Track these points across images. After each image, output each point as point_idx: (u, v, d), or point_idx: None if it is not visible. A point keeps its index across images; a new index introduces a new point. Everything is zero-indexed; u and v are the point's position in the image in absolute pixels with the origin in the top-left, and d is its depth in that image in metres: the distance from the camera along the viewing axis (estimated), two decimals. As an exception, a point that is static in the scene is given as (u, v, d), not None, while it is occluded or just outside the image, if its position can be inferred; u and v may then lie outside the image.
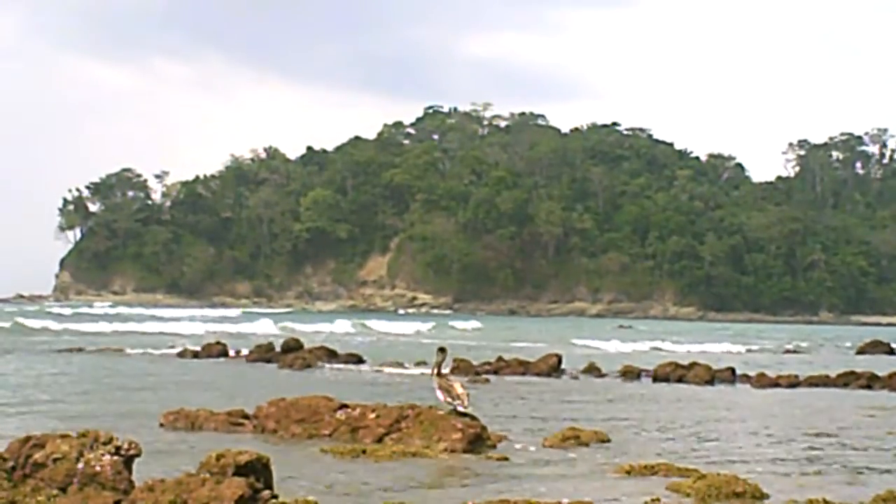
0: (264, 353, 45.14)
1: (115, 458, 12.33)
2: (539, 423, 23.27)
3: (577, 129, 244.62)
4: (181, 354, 45.86)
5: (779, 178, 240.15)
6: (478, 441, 17.81)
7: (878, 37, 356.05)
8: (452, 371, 35.53)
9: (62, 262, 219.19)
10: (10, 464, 12.48)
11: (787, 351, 68.46)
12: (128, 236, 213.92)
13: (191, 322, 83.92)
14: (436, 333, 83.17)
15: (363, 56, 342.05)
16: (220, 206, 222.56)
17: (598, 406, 28.16)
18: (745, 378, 39.46)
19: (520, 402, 28.82)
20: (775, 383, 37.58)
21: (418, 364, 41.12)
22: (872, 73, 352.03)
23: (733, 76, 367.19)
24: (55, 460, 12.33)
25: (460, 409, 18.06)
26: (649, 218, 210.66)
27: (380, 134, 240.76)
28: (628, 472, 16.07)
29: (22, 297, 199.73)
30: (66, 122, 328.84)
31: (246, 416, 20.72)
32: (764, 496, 14.45)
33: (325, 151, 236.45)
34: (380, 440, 18.25)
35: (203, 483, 11.64)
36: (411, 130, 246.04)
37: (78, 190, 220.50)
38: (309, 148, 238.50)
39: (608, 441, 19.99)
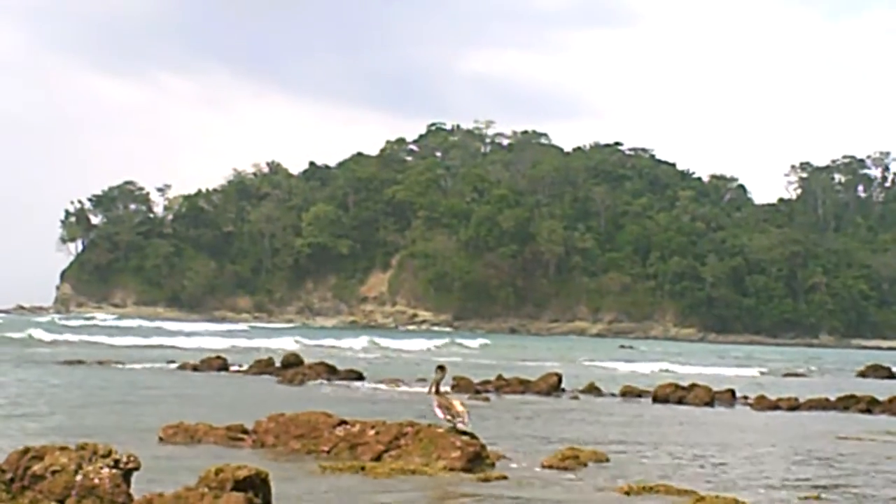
0: (264, 368, 45.17)
1: (114, 471, 12.33)
2: (538, 442, 23.26)
3: (579, 148, 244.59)
4: (181, 367, 45.86)
5: (781, 200, 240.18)
6: (477, 459, 17.77)
7: (881, 60, 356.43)
8: (452, 389, 35.53)
9: (63, 274, 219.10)
10: (9, 475, 12.48)
11: (788, 374, 68.35)
12: (129, 249, 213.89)
13: (210, 337, 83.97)
14: (445, 351, 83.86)
15: (366, 72, 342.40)
16: (222, 221, 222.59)
17: (597, 426, 28.13)
18: (745, 400, 39.43)
19: (519, 421, 28.79)
20: (775, 406, 37.54)
21: (419, 381, 41.08)
22: (875, 97, 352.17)
23: (736, 97, 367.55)
24: (54, 472, 12.33)
25: (460, 426, 18.02)
26: (651, 238, 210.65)
27: (382, 150, 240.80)
28: (627, 493, 16.05)
29: (23, 308, 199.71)
30: (69, 135, 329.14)
31: (245, 431, 20.71)
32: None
33: (327, 167, 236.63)
34: (379, 457, 18.22)
35: (202, 497, 11.64)
36: (414, 147, 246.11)
37: (80, 202, 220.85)
38: (311, 163, 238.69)
39: (607, 461, 19.96)
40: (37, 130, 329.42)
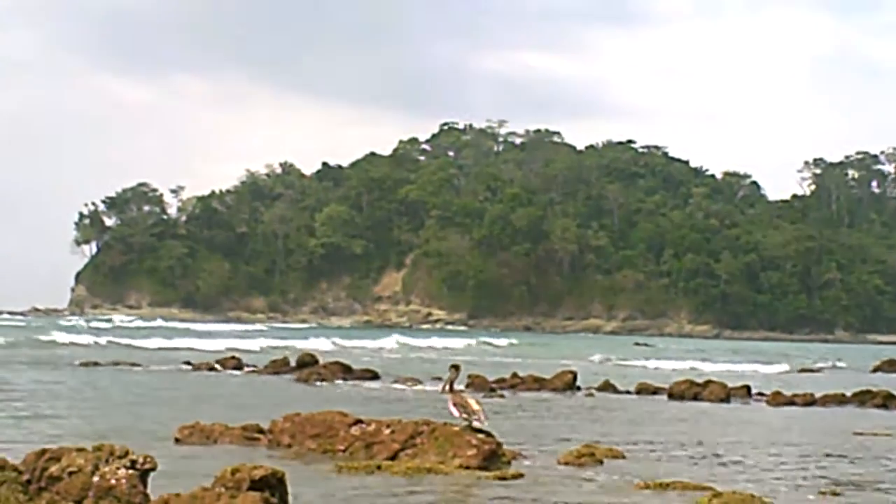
0: (279, 368, 45.22)
1: (131, 471, 12.34)
2: (554, 439, 23.23)
3: (592, 146, 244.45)
4: (196, 368, 45.92)
5: (794, 196, 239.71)
6: (493, 457, 17.75)
7: (895, 56, 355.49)
8: (467, 387, 35.54)
9: (78, 276, 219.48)
10: (26, 477, 12.50)
11: (803, 370, 68.14)
12: (143, 251, 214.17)
13: (240, 339, 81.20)
14: (475, 350, 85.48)
15: (379, 72, 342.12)
16: (236, 221, 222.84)
17: (613, 423, 28.10)
18: (761, 396, 39.35)
19: (535, 418, 28.77)
20: (791, 401, 37.45)
21: (434, 379, 41.07)
22: (889, 93, 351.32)
23: (749, 94, 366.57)
24: (71, 474, 12.35)
25: (476, 424, 17.98)
26: (664, 235, 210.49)
27: (395, 150, 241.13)
28: (643, 490, 16.02)
29: (38, 310, 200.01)
30: (83, 137, 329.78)
31: (261, 431, 20.71)
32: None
33: (340, 167, 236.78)
34: (395, 456, 18.20)
35: (218, 497, 11.65)
36: (427, 147, 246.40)
37: (94, 204, 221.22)
38: (324, 164, 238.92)
39: (623, 458, 19.94)
40: (50, 132, 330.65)
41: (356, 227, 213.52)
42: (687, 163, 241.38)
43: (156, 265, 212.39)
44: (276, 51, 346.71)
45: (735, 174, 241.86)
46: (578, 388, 40.39)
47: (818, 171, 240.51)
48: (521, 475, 16.96)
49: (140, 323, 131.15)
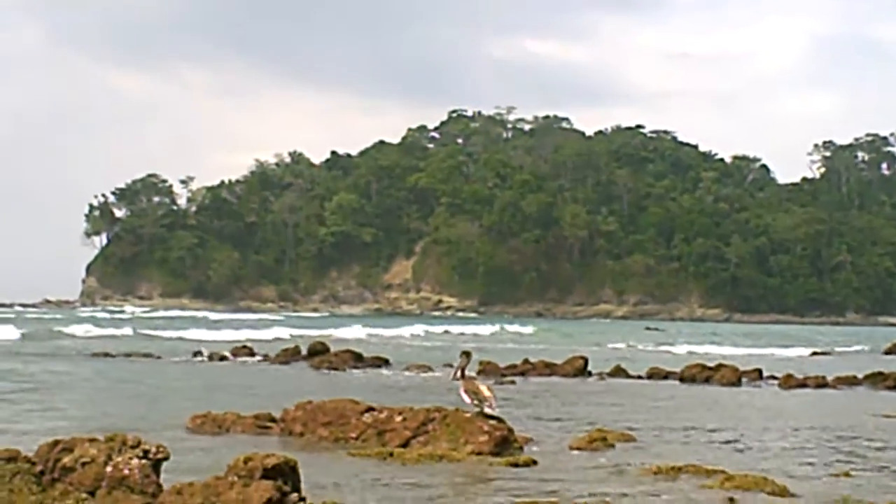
0: (290, 357, 45.26)
1: (144, 461, 12.37)
2: (565, 424, 23.25)
3: (601, 131, 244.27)
4: (209, 358, 45.97)
5: (804, 179, 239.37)
6: (504, 443, 17.77)
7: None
8: (478, 374, 35.55)
9: (88, 268, 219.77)
10: (39, 468, 12.53)
11: (815, 353, 68.01)
12: (153, 241, 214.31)
13: (279, 328, 79.85)
14: (503, 337, 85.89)
15: (387, 60, 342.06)
16: (245, 211, 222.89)
17: (624, 408, 28.11)
18: (773, 379, 39.34)
19: (547, 404, 28.78)
20: (803, 384, 37.43)
21: (445, 366, 41.07)
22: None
23: (758, 77, 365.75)
24: (84, 464, 12.38)
25: (488, 410, 17.99)
26: (674, 220, 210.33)
27: (404, 138, 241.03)
28: (656, 474, 16.02)
29: (49, 302, 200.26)
30: (92, 129, 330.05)
31: (273, 420, 20.76)
32: (793, 497, 14.39)
33: (349, 156, 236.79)
34: (406, 443, 18.22)
35: (231, 486, 11.67)
36: (435, 134, 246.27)
37: (104, 196, 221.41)
38: (333, 152, 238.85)
39: (635, 442, 19.96)
40: (58, 125, 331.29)
41: (366, 216, 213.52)
42: (696, 147, 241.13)
43: (166, 256, 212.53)
44: (283, 40, 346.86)
45: (744, 158, 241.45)
46: (590, 374, 40.39)
47: (828, 153, 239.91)
48: (533, 461, 16.97)
49: (162, 313, 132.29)
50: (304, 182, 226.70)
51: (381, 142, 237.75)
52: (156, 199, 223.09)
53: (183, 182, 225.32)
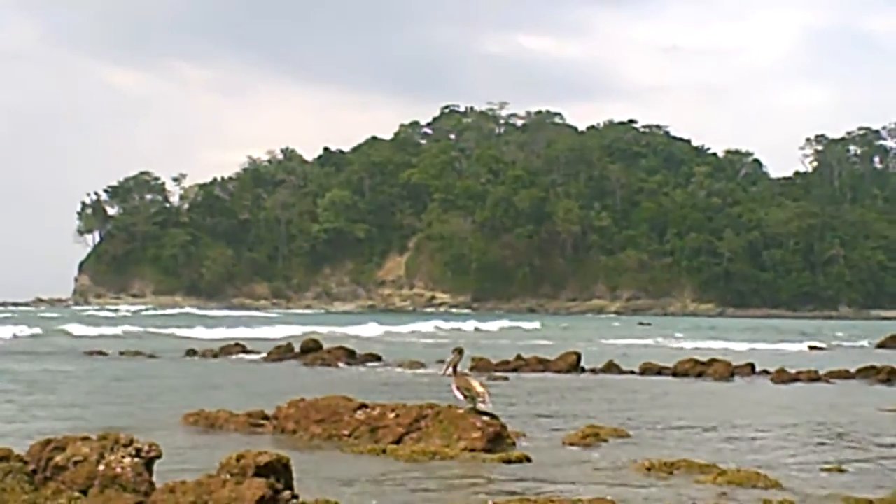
0: (282, 354, 45.24)
1: (136, 459, 12.36)
2: (559, 420, 23.24)
3: (593, 126, 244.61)
4: (202, 356, 45.94)
5: (797, 173, 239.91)
6: (497, 440, 17.76)
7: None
8: (471, 370, 35.53)
9: (81, 266, 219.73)
10: (32, 467, 12.52)
11: (812, 347, 67.91)
12: (146, 239, 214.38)
13: (281, 325, 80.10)
14: (511, 333, 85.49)
15: (379, 56, 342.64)
16: (238, 208, 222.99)
17: (617, 403, 28.10)
18: (765, 373, 39.36)
19: (539, 400, 28.77)
20: (795, 378, 37.44)
21: (438, 362, 41.03)
22: (890, 67, 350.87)
23: (750, 71, 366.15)
24: (76, 463, 12.36)
25: (481, 406, 17.99)
26: (667, 215, 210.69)
27: (396, 134, 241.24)
28: (649, 469, 16.02)
29: (41, 300, 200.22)
30: (84, 126, 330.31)
31: (266, 417, 20.73)
32: (786, 491, 14.39)
33: (342, 152, 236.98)
34: (399, 440, 18.20)
35: (223, 484, 11.66)
36: (428, 130, 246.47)
37: (96, 193, 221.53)
38: (326, 149, 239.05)
39: (628, 437, 19.97)
40: (51, 122, 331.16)
41: (359, 212, 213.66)
42: (689, 142, 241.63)
43: (159, 253, 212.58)
44: (275, 36, 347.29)
45: (737, 152, 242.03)
46: (583, 370, 40.36)
47: (820, 147, 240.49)
48: (526, 457, 16.96)
49: (160, 311, 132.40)
50: (297, 179, 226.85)
51: (374, 138, 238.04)
52: (148, 196, 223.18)
53: (175, 179, 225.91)
